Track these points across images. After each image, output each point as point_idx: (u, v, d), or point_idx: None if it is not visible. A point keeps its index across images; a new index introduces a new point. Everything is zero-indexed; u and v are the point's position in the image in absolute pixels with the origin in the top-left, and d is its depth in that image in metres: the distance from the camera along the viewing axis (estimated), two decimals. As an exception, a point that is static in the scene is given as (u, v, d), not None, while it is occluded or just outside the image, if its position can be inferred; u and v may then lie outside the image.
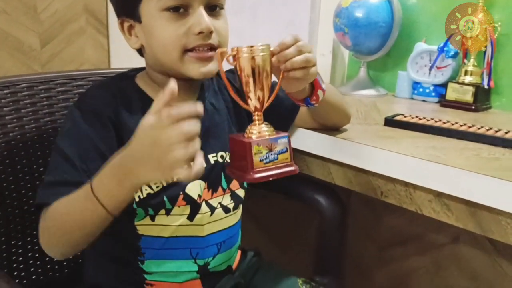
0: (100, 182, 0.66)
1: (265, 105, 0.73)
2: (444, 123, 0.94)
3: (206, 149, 0.84)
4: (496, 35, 1.15)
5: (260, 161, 0.69)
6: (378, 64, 1.43)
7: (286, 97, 0.93)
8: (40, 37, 2.14)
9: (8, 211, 0.91)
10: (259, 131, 0.72)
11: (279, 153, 0.71)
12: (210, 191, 0.84)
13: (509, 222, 0.73)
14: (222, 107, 0.91)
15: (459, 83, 1.20)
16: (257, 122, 0.73)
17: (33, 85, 0.97)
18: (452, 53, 1.22)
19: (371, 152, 0.88)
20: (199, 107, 0.61)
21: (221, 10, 0.79)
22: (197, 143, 0.61)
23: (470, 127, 0.91)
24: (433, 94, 1.28)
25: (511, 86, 1.19)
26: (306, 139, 0.98)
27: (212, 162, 0.85)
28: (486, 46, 1.17)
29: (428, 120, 0.96)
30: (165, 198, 0.80)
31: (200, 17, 0.75)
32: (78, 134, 0.75)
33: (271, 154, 0.70)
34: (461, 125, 0.92)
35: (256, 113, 0.73)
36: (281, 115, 0.94)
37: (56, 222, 0.71)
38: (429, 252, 1.37)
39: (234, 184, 0.88)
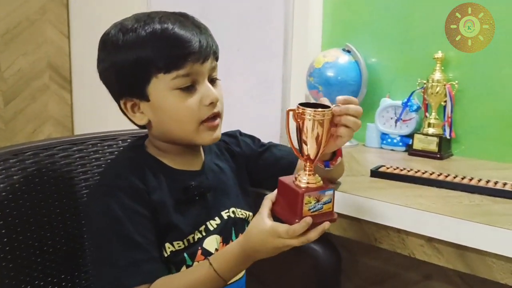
0: (226, 265, 0.80)
1: (317, 157, 0.81)
2: (423, 173, 1.06)
3: (219, 206, 0.93)
4: (454, 91, 1.31)
5: (308, 210, 0.78)
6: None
7: (282, 157, 1.02)
8: (3, 95, 2.13)
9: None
10: (308, 181, 0.80)
11: (325, 203, 0.80)
12: (224, 244, 0.91)
13: (495, 261, 0.84)
14: (226, 167, 0.99)
15: (423, 134, 1.34)
16: (307, 172, 0.81)
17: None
18: (415, 107, 1.37)
19: (365, 202, 0.97)
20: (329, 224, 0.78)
21: (218, 81, 0.89)
22: None
23: (446, 176, 1.03)
24: (400, 144, 1.42)
25: (468, 135, 1.34)
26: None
27: (226, 217, 0.93)
28: (445, 101, 1.32)
29: (408, 171, 1.07)
30: (185, 255, 0.85)
31: (209, 90, 0.85)
32: (126, 212, 0.80)
33: (318, 204, 0.79)
34: (438, 175, 1.04)
35: (308, 163, 0.81)
36: (277, 174, 1.00)
37: None
38: (405, 290, 1.47)
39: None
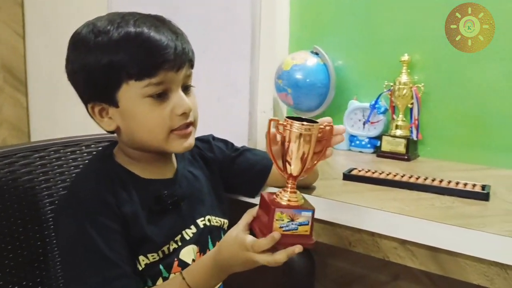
0: (198, 278, 0.79)
1: (300, 176, 0.77)
2: (395, 175, 1.06)
3: (194, 214, 0.90)
4: (420, 94, 1.33)
5: (280, 227, 0.73)
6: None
7: (257, 162, 1.01)
8: (-45, 99, 2.00)
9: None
10: (288, 198, 0.76)
11: (300, 224, 0.74)
12: (202, 254, 0.88)
13: (468, 263, 0.85)
14: (200, 174, 0.97)
15: (391, 136, 1.35)
16: (289, 189, 0.77)
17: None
18: (382, 109, 1.39)
19: (338, 206, 0.97)
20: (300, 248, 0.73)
21: (192, 88, 0.87)
22: None
23: (417, 178, 1.04)
24: (369, 145, 1.42)
25: (433, 137, 1.37)
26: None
27: (202, 226, 0.90)
28: (412, 103, 1.34)
29: (380, 174, 1.07)
30: (161, 267, 0.82)
31: (181, 99, 0.81)
32: (96, 228, 0.76)
33: (292, 224, 0.74)
34: (409, 177, 1.05)
35: (290, 180, 0.77)
36: (251, 180, 1.02)
37: None
38: (373, 291, 1.48)
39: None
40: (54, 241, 0.98)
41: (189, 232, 0.88)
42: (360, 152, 1.44)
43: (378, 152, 1.38)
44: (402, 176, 1.06)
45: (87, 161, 1.02)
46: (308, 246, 0.73)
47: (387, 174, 1.07)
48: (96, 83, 0.79)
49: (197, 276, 0.79)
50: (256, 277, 1.43)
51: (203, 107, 1.72)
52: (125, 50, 0.77)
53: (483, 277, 0.84)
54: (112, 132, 0.86)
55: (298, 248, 0.72)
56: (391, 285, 1.45)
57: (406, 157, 1.32)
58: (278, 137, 0.78)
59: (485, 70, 1.28)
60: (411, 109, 1.35)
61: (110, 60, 0.77)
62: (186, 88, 0.84)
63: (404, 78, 1.34)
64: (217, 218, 0.94)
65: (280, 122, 0.76)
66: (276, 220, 0.73)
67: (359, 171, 1.10)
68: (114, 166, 0.85)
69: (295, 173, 0.77)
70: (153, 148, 0.84)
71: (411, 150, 1.33)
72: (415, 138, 1.33)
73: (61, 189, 1.03)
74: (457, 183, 1.01)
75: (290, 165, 0.76)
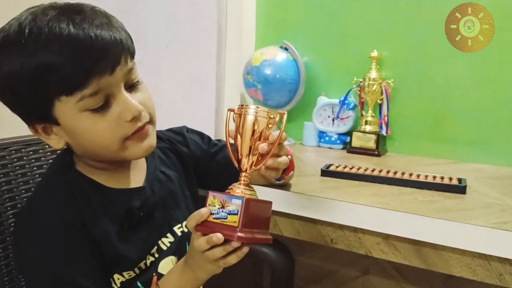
0: (169, 280, 0.75)
1: (252, 170, 0.74)
2: (373, 170, 1.06)
3: (170, 221, 0.84)
4: (390, 89, 1.34)
5: (211, 213, 0.68)
6: (284, 116, 1.54)
7: (226, 165, 0.89)
8: None
9: None
10: (241, 191, 0.71)
11: (230, 213, 0.67)
12: None
13: (451, 255, 0.85)
14: (173, 173, 0.89)
15: (361, 132, 1.36)
16: (242, 182, 0.73)
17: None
18: (352, 105, 1.39)
19: (319, 202, 0.95)
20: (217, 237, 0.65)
21: (140, 83, 0.76)
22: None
23: (395, 173, 1.05)
24: (338, 142, 1.42)
25: (401, 133, 1.39)
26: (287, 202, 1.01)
27: (179, 234, 0.84)
28: (381, 99, 1.35)
29: (358, 169, 1.07)
30: (138, 284, 0.76)
31: (127, 103, 0.71)
32: (63, 253, 0.69)
33: (222, 211, 0.68)
34: (387, 172, 1.05)
35: (244, 174, 0.73)
36: (231, 177, 0.94)
37: None
38: (344, 286, 1.49)
39: None
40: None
41: (165, 242, 0.81)
42: (330, 148, 1.43)
43: (348, 148, 1.38)
44: (380, 171, 1.06)
45: (46, 169, 0.90)
46: (231, 238, 0.66)
47: (365, 170, 1.06)
48: (26, 105, 0.69)
49: (173, 286, 0.74)
50: (234, 278, 1.40)
51: (166, 104, 1.67)
52: (43, 63, 0.64)
53: (466, 269, 0.85)
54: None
55: (215, 237, 0.65)
56: (361, 280, 1.46)
57: (376, 153, 1.33)
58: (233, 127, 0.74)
59: (451, 67, 1.31)
60: (380, 105, 1.36)
61: (31, 77, 0.65)
62: (132, 86, 0.73)
63: (373, 74, 1.34)
64: None
65: (236, 111, 0.73)
66: (209, 205, 0.69)
67: (337, 167, 1.09)
68: (76, 177, 0.76)
69: (246, 165, 0.73)
70: (112, 159, 0.76)
71: (381, 146, 1.34)
72: (384, 134, 1.35)
73: (23, 191, 0.95)
74: (434, 177, 1.02)
75: (242, 156, 0.73)
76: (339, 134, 1.42)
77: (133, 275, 0.76)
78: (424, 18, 1.33)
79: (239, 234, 0.65)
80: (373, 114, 1.37)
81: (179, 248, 0.83)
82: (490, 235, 0.80)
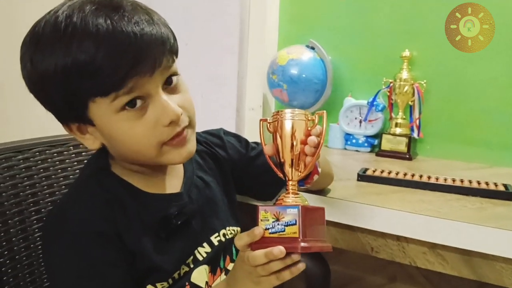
0: None
1: (298, 177, 0.69)
2: (412, 176, 1.01)
3: (207, 230, 0.78)
4: (422, 90, 1.29)
5: (266, 229, 0.63)
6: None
7: (265, 171, 0.83)
8: None
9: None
10: (286, 200, 0.67)
11: (287, 224, 0.63)
12: (212, 275, 0.78)
13: (503, 266, 0.81)
14: (211, 179, 0.84)
15: (391, 134, 1.31)
16: (290, 191, 0.68)
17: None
18: (381, 107, 1.34)
19: (358, 208, 0.90)
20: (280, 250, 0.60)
21: (178, 78, 0.69)
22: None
23: (437, 178, 1.00)
24: (366, 144, 1.37)
25: (433, 135, 1.34)
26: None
27: (216, 243, 0.79)
28: (412, 101, 1.30)
29: (397, 174, 1.02)
30: None
31: (165, 106, 0.65)
32: (96, 266, 0.65)
33: (278, 224, 0.63)
34: (428, 177, 1.00)
35: (290, 182, 0.68)
36: (269, 183, 0.86)
37: None
38: (370, 294, 1.44)
39: (227, 261, 0.82)
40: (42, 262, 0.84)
41: (202, 251, 0.76)
42: (357, 151, 1.38)
43: (378, 151, 1.33)
44: (420, 177, 1.01)
45: (79, 170, 0.85)
46: (295, 250, 0.61)
47: (404, 175, 1.01)
48: (60, 106, 0.65)
49: None
50: None
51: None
52: (77, 63, 0.60)
53: (521, 281, 0.80)
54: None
55: (277, 250, 0.59)
56: (388, 287, 1.41)
57: (407, 156, 1.28)
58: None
59: (486, 68, 1.26)
60: (411, 107, 1.31)
61: (64, 78, 0.61)
62: (169, 82, 0.67)
63: (405, 74, 1.29)
64: (231, 228, 0.83)
65: (270, 119, 0.70)
66: (261, 220, 0.64)
67: (373, 171, 1.04)
68: (112, 181, 0.71)
69: (291, 174, 0.68)
70: (148, 163, 0.72)
71: (412, 149, 1.29)
72: (416, 137, 1.30)
73: (47, 195, 0.90)
74: (479, 183, 0.97)
75: (286, 164, 0.68)
76: (367, 137, 1.37)
77: (166, 285, 0.72)
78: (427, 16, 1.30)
79: (302, 244, 0.60)
80: (404, 116, 1.32)
81: (214, 257, 0.78)
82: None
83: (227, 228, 0.82)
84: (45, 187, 0.90)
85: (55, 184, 0.91)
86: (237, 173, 0.89)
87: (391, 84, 1.31)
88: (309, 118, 0.69)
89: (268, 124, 0.70)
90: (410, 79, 1.29)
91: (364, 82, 1.40)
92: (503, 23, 1.23)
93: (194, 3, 1.55)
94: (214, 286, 0.74)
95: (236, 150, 0.90)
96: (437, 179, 0.99)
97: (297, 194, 0.69)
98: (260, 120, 0.72)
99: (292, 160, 0.68)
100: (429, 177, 1.00)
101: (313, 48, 1.38)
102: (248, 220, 0.74)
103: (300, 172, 0.69)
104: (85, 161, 0.91)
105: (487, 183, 0.97)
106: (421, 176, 1.01)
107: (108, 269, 0.65)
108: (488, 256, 0.81)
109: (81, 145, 0.98)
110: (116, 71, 0.60)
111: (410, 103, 1.30)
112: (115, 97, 0.62)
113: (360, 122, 1.37)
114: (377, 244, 0.91)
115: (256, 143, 0.94)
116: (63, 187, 0.93)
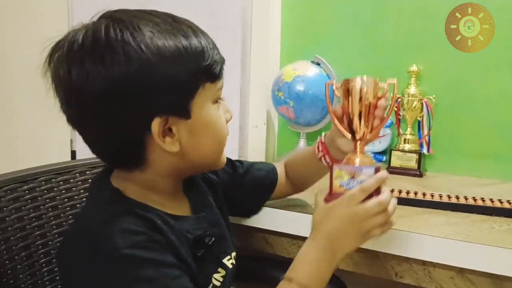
0: (306, 271, 0.67)
1: (368, 138, 0.75)
2: (432, 195, 0.98)
3: (220, 254, 0.74)
4: (432, 106, 1.27)
5: (340, 186, 0.69)
6: (314, 134, 1.46)
7: (264, 178, 0.92)
8: None
9: None
10: (354, 159, 0.73)
11: (361, 182, 0.68)
12: None
13: (536, 290, 0.78)
14: (212, 203, 0.80)
15: (401, 151, 1.28)
16: (358, 151, 0.74)
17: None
18: (389, 123, 1.31)
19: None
20: (384, 173, 0.68)
21: None
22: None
23: (457, 197, 0.97)
24: (374, 161, 1.35)
25: (442, 151, 1.32)
26: (297, 223, 0.93)
27: (230, 266, 0.75)
28: (421, 116, 1.28)
29: (415, 194, 0.99)
30: None
31: (225, 105, 0.72)
32: (159, 271, 0.59)
33: (353, 182, 0.68)
34: (449, 197, 0.98)
35: (359, 142, 0.74)
36: (257, 197, 0.93)
37: None
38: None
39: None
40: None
41: (218, 277, 0.72)
42: (364, 167, 1.35)
43: (387, 167, 1.30)
44: (440, 197, 0.98)
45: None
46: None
47: (423, 195, 0.98)
48: (169, 94, 0.62)
49: (304, 269, 0.68)
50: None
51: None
52: (199, 47, 0.64)
53: (554, 306, 0.78)
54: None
55: (387, 193, 0.69)
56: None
57: (418, 173, 1.26)
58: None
59: (495, 80, 1.24)
60: (419, 122, 1.29)
61: (188, 60, 0.62)
62: None
63: (412, 89, 1.27)
64: (234, 252, 0.79)
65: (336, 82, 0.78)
66: (335, 178, 0.69)
67: (391, 191, 1.00)
68: (133, 205, 0.64)
69: (362, 134, 0.74)
70: (204, 167, 0.73)
71: (422, 165, 1.27)
72: (426, 152, 1.27)
73: (54, 226, 0.85)
74: (501, 202, 0.95)
75: (355, 124, 0.74)
76: (375, 153, 1.34)
77: None
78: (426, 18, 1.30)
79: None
80: (413, 132, 1.30)
81: (226, 283, 0.73)
82: None
83: (234, 251, 0.79)
84: (52, 217, 0.85)
85: (61, 215, 0.86)
86: (231, 195, 0.87)
87: (399, 100, 1.29)
88: (380, 85, 0.77)
89: (336, 89, 0.76)
90: (418, 94, 1.27)
91: (370, 97, 1.37)
92: (503, 23, 1.23)
93: (193, 16, 1.52)
94: (301, 250, 0.70)
95: (225, 171, 0.88)
96: (457, 198, 0.97)
97: (365, 154, 0.75)
98: (327, 82, 0.80)
99: (360, 117, 0.73)
100: (449, 197, 0.97)
101: (318, 64, 1.35)
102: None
103: (370, 133, 0.75)
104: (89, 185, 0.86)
105: (509, 202, 0.95)
106: (440, 196, 0.98)
107: (172, 271, 0.60)
108: (520, 281, 0.79)
109: (87, 171, 0.93)
110: (220, 60, 0.67)
111: (418, 118, 1.28)
112: (220, 87, 0.68)
113: (371, 139, 1.34)
114: (402, 269, 0.88)
115: (239, 161, 0.93)
116: (70, 216, 0.88)
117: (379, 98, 0.75)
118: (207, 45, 0.65)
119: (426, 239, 0.83)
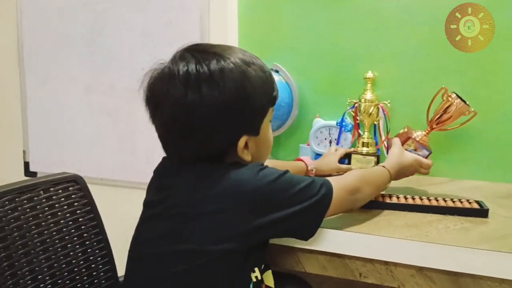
0: (393, 173, 1.03)
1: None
2: (390, 197, 1.03)
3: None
4: (388, 110, 1.32)
5: (406, 150, 1.14)
6: (276, 140, 1.49)
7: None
8: None
9: None
10: (421, 137, 1.20)
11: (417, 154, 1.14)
12: None
13: (490, 284, 0.84)
14: None
15: (362, 154, 1.33)
16: (424, 133, 1.21)
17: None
18: (349, 127, 1.36)
19: (346, 236, 0.91)
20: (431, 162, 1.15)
21: None
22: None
23: (413, 198, 1.03)
24: (335, 164, 1.39)
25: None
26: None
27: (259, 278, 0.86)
28: (378, 120, 1.33)
29: (376, 197, 1.03)
30: None
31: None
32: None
33: (413, 151, 1.16)
34: (406, 198, 1.03)
35: (428, 127, 1.22)
36: None
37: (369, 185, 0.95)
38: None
39: None
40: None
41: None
42: (326, 171, 1.40)
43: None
44: (398, 198, 1.03)
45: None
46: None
47: (382, 197, 1.03)
48: (254, 117, 0.82)
49: (392, 168, 1.03)
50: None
51: (143, 130, 1.57)
52: (271, 83, 0.84)
53: (507, 298, 0.84)
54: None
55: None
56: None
57: (376, 175, 1.31)
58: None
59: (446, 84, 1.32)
60: (375, 125, 1.34)
61: (269, 94, 0.83)
62: None
63: (368, 95, 1.33)
64: None
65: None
66: (407, 144, 1.17)
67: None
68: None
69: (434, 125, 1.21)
70: None
71: (379, 167, 1.32)
72: (386, 155, 1.32)
73: (20, 246, 0.83)
74: (453, 201, 1.01)
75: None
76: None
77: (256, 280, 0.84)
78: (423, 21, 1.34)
79: None
80: (370, 136, 1.35)
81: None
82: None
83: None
84: (17, 238, 0.83)
85: (27, 234, 0.85)
86: None
87: (356, 105, 1.34)
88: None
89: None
90: (375, 99, 1.33)
91: (330, 103, 1.42)
92: (503, 23, 1.26)
93: (151, 26, 1.51)
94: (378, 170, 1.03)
95: None
96: (413, 199, 1.02)
97: (428, 137, 1.22)
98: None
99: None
100: (406, 198, 1.03)
101: (277, 72, 1.38)
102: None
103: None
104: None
105: (460, 201, 1.01)
106: (398, 198, 1.03)
107: None
108: (475, 276, 0.84)
109: (51, 189, 0.92)
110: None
111: (375, 122, 1.34)
112: (273, 109, 0.86)
113: (330, 142, 1.38)
114: (366, 269, 0.92)
115: None
116: (35, 236, 0.86)
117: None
118: (271, 75, 0.84)
119: (388, 241, 0.88)
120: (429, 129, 1.19)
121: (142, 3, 1.54)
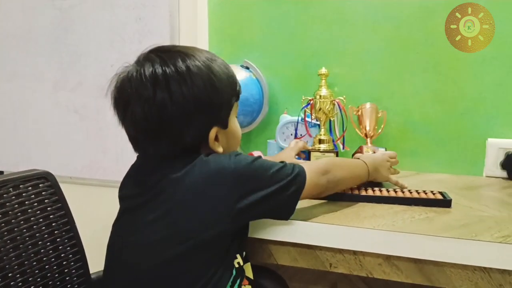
0: (368, 163, 1.07)
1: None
2: (359, 190, 1.07)
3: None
4: (343, 106, 1.35)
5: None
6: (245, 136, 1.50)
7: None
8: None
9: None
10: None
11: None
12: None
13: (452, 270, 0.88)
14: None
15: (320, 151, 1.34)
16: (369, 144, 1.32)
17: None
18: (312, 124, 1.39)
19: (316, 227, 0.93)
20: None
21: None
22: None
23: (381, 191, 1.06)
24: (303, 160, 1.41)
25: (353, 148, 1.41)
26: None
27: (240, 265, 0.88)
28: (333, 116, 1.36)
29: (344, 190, 1.07)
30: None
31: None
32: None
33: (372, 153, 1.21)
34: (373, 190, 1.07)
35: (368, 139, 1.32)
36: None
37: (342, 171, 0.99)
38: (314, 303, 1.48)
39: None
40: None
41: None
42: (294, 166, 1.42)
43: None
44: (366, 190, 1.06)
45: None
46: None
47: (351, 190, 1.06)
48: (221, 110, 0.85)
49: (368, 162, 1.07)
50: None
51: (111, 127, 1.56)
52: (234, 78, 0.89)
53: (468, 282, 0.87)
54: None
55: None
56: (330, 295, 1.47)
57: (340, 170, 1.34)
58: None
59: (407, 83, 1.36)
60: (330, 121, 1.37)
61: (233, 88, 0.88)
62: None
63: (323, 91, 1.34)
64: None
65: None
66: (366, 152, 1.24)
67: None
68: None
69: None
70: None
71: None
72: (342, 150, 1.36)
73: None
74: (418, 192, 1.05)
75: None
76: (304, 152, 1.41)
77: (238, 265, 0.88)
78: (423, 17, 1.36)
79: None
80: (326, 132, 1.36)
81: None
82: (492, 249, 0.84)
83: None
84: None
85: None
86: None
87: (311, 101, 1.35)
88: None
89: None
90: (329, 95, 1.34)
91: (298, 100, 1.44)
92: (503, 23, 1.29)
93: (119, 22, 1.50)
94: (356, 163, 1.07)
95: None
96: (381, 191, 1.06)
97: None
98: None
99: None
100: (373, 190, 1.07)
101: (247, 68, 1.40)
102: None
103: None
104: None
105: (425, 192, 1.05)
106: (366, 190, 1.07)
107: None
108: (438, 263, 0.88)
109: (20, 186, 0.91)
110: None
111: (331, 118, 1.36)
112: (237, 105, 0.91)
113: (295, 137, 1.41)
114: (335, 260, 0.95)
115: None
116: (5, 233, 0.85)
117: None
118: (233, 72, 0.89)
119: (356, 231, 0.91)
120: (369, 139, 1.30)
121: (110, -1, 1.53)
